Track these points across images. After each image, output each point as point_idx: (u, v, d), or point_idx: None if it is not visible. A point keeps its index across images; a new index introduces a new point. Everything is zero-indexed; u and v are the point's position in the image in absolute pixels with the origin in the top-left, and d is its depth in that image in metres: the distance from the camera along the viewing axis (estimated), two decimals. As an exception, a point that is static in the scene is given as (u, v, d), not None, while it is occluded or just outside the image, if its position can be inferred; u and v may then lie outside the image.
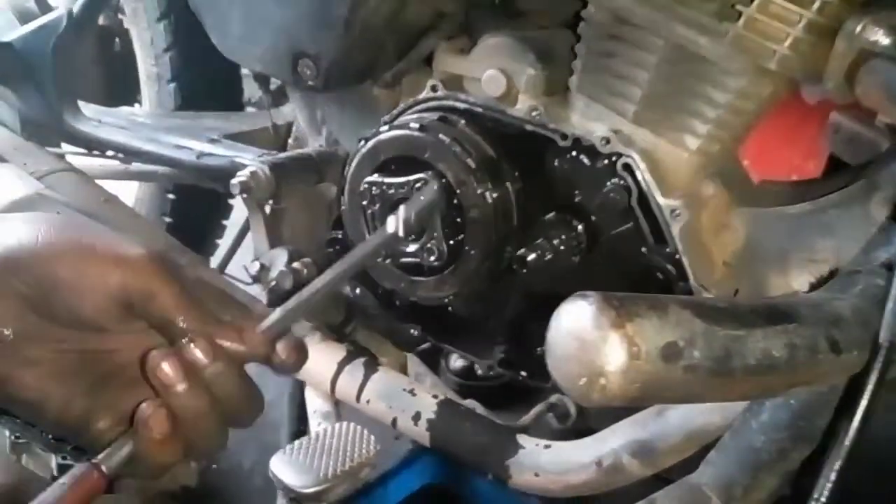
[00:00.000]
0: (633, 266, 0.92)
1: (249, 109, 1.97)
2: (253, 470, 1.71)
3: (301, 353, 0.58)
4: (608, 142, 0.89)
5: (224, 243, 1.95)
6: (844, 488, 0.56)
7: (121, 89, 1.92)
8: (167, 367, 0.52)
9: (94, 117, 1.56)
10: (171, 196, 1.84)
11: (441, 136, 0.95)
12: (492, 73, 0.97)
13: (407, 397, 1.09)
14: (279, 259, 1.11)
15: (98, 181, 1.49)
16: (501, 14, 1.07)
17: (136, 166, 1.62)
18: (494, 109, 0.98)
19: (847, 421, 0.55)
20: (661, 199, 0.88)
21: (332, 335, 1.20)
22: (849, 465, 0.55)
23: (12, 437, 1.38)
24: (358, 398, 1.12)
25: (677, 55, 0.83)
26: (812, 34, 0.75)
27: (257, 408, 0.57)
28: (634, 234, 0.91)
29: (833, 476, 0.55)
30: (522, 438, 1.02)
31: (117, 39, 1.92)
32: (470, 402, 1.13)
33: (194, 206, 1.86)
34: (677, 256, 0.89)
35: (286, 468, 1.02)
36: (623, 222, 0.92)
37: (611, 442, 0.94)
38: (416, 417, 1.07)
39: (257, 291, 1.16)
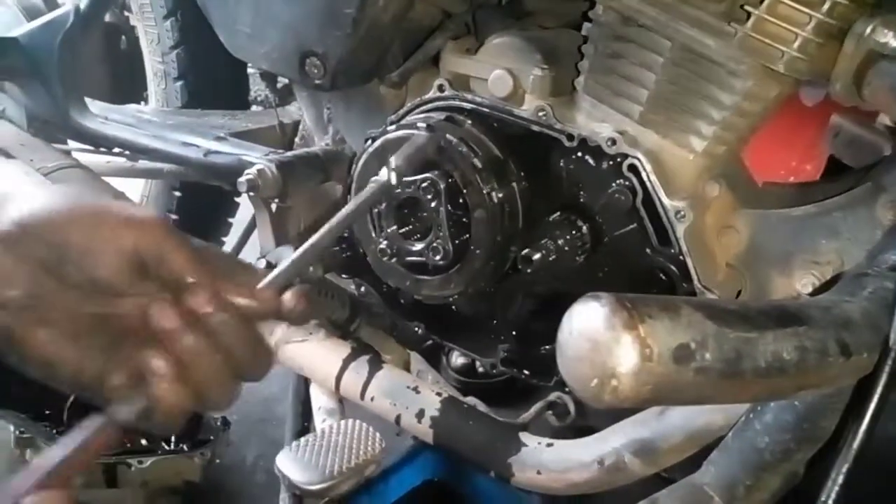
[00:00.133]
0: (637, 267, 0.93)
1: (256, 108, 1.97)
2: (256, 465, 1.72)
3: (307, 302, 0.60)
4: (614, 143, 0.89)
5: (230, 241, 1.95)
6: (851, 490, 0.56)
7: (127, 86, 1.92)
8: (169, 314, 0.54)
9: (100, 114, 1.56)
10: (177, 193, 1.84)
11: (447, 135, 0.95)
12: (498, 73, 0.98)
13: (411, 394, 1.10)
14: (285, 257, 1.11)
15: (104, 178, 1.49)
16: (508, 14, 1.07)
17: (143, 163, 1.62)
18: (501, 109, 0.98)
19: (856, 423, 0.55)
20: (666, 201, 0.89)
21: (337, 332, 1.21)
22: (857, 467, 0.56)
23: (17, 432, 1.39)
24: (362, 395, 1.12)
25: (684, 56, 0.83)
26: (821, 36, 0.75)
27: (267, 361, 0.59)
28: (639, 235, 0.92)
29: (841, 478, 0.55)
30: (525, 436, 1.02)
31: (124, 37, 1.92)
32: (471, 400, 1.14)
33: (200, 203, 1.86)
34: (681, 258, 0.89)
35: (292, 465, 1.02)
36: (628, 223, 0.92)
37: (613, 441, 0.94)
38: (420, 415, 1.07)
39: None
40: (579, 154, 0.93)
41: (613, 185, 0.91)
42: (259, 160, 1.19)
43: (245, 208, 1.75)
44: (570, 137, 0.93)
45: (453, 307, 1.11)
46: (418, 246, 0.98)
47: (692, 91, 0.85)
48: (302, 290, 0.60)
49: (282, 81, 1.41)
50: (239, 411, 1.78)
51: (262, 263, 1.14)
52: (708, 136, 0.86)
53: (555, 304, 1.02)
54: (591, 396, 0.46)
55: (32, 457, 1.40)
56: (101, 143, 1.57)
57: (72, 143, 1.65)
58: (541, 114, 0.94)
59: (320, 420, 1.16)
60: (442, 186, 0.94)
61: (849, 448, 0.57)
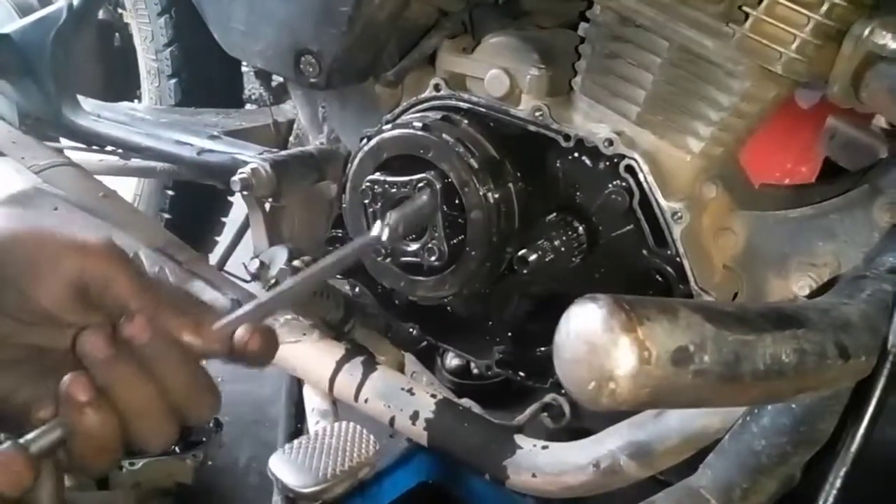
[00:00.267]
0: (634, 268, 0.92)
1: (250, 106, 1.96)
2: (249, 467, 1.71)
3: (267, 342, 0.55)
4: (611, 143, 0.89)
5: (223, 240, 1.94)
6: (849, 494, 0.56)
7: (121, 84, 1.91)
8: (96, 340, 0.49)
9: (93, 112, 1.56)
10: (170, 192, 1.83)
11: (444, 135, 0.95)
12: (495, 72, 0.97)
13: (405, 396, 1.09)
14: (279, 257, 1.11)
15: (97, 176, 1.48)
16: (505, 13, 1.07)
17: (136, 162, 1.61)
18: (497, 109, 0.97)
19: (854, 426, 0.55)
20: (662, 202, 0.88)
21: (331, 333, 1.20)
22: (855, 471, 0.55)
23: (5, 434, 1.37)
24: (356, 397, 1.11)
25: (682, 57, 0.83)
26: (819, 37, 0.75)
27: (209, 405, 0.54)
28: (635, 236, 0.91)
29: (839, 482, 0.54)
30: (520, 439, 1.02)
31: (117, 34, 1.91)
32: (466, 402, 1.13)
33: (193, 202, 1.85)
34: (678, 259, 0.89)
35: (285, 467, 1.01)
36: (624, 224, 0.92)
37: (608, 443, 0.94)
38: (415, 417, 1.07)
39: (256, 289, 1.16)
40: (576, 155, 0.93)
41: (610, 185, 0.91)
42: (253, 159, 1.18)
43: (239, 207, 1.74)
44: (567, 138, 0.92)
45: (448, 308, 1.10)
46: (413, 246, 0.98)
47: (690, 92, 0.85)
48: (262, 328, 0.54)
49: (276, 80, 1.40)
50: (231, 413, 1.77)
51: (255, 263, 1.13)
52: (705, 137, 0.86)
53: (551, 306, 1.02)
54: (589, 399, 0.46)
55: None
56: (93, 140, 1.57)
57: (64, 141, 1.64)
58: (537, 114, 0.94)
59: (314, 422, 1.15)
60: (438, 187, 0.93)
61: (847, 451, 0.57)
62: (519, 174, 0.97)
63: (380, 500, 1.20)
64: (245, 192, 1.15)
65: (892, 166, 0.83)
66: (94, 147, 1.60)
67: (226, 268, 1.70)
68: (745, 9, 0.77)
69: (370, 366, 1.13)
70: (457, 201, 0.95)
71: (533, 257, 0.91)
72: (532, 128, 0.95)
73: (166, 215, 1.85)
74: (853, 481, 0.57)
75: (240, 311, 0.55)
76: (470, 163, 0.94)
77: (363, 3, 0.96)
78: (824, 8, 0.74)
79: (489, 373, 1.11)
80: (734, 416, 0.75)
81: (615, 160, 0.90)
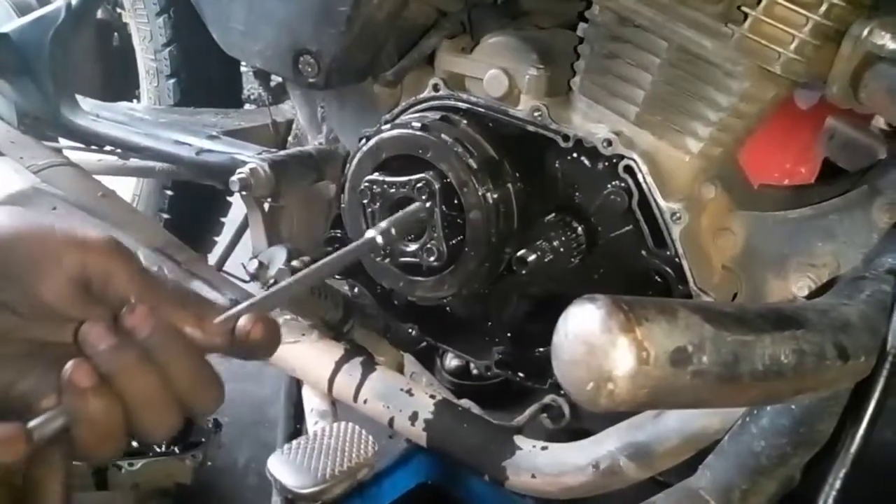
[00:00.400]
0: (633, 268, 0.92)
1: (249, 106, 1.96)
2: (248, 468, 1.71)
3: (270, 332, 0.55)
4: (610, 144, 0.89)
5: (222, 240, 1.94)
6: (848, 495, 0.56)
7: (119, 84, 1.91)
8: (99, 331, 0.50)
9: (91, 112, 1.55)
10: (168, 192, 1.83)
11: (443, 135, 0.95)
12: (494, 72, 0.97)
13: (404, 397, 1.09)
14: (278, 257, 1.10)
15: (95, 176, 1.48)
16: (504, 13, 1.07)
17: (134, 162, 1.61)
18: (496, 109, 0.97)
19: (853, 427, 0.55)
20: (661, 202, 0.88)
21: (330, 333, 1.20)
22: (854, 472, 0.55)
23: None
24: (355, 397, 1.11)
25: (681, 57, 0.83)
26: (818, 37, 0.75)
27: (213, 396, 0.54)
28: (634, 237, 0.91)
29: (839, 483, 0.54)
30: (519, 440, 1.02)
31: (116, 34, 1.91)
32: (465, 402, 1.13)
33: (192, 202, 1.85)
34: (677, 260, 0.89)
35: (284, 468, 1.01)
36: (623, 224, 0.92)
37: (608, 444, 0.94)
38: (414, 417, 1.07)
39: (255, 289, 1.16)
40: (575, 155, 0.93)
41: (609, 186, 0.90)
42: (252, 159, 1.18)
43: (237, 207, 1.74)
44: (566, 138, 0.92)
45: (447, 309, 1.10)
46: (412, 247, 0.97)
47: (689, 92, 0.84)
48: (264, 319, 0.54)
49: (275, 80, 1.40)
50: (231, 413, 1.77)
51: (254, 264, 1.13)
52: (704, 137, 0.86)
53: (550, 306, 1.02)
54: (587, 400, 0.45)
55: None
56: (92, 140, 1.56)
57: (63, 141, 1.64)
58: (536, 114, 0.94)
59: (312, 422, 1.15)
60: (437, 187, 0.93)
61: (846, 452, 0.56)
62: (518, 174, 0.97)
63: (379, 501, 1.20)
64: (244, 192, 1.15)
65: (891, 167, 0.83)
66: (93, 147, 1.60)
67: (225, 268, 1.70)
68: (744, 9, 0.77)
69: (369, 366, 1.13)
70: (456, 202, 0.95)
71: (532, 258, 0.91)
72: (531, 128, 0.95)
73: (165, 215, 1.85)
74: (852, 482, 0.57)
75: (239, 307, 0.55)
76: (469, 163, 0.93)
77: (362, 2, 0.96)
78: (823, 8, 0.74)
79: (488, 373, 1.11)
80: (733, 416, 0.75)
81: (614, 160, 0.89)
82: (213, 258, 1.86)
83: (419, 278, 1.01)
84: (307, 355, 1.16)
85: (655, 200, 0.88)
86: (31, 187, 1.33)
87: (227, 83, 1.85)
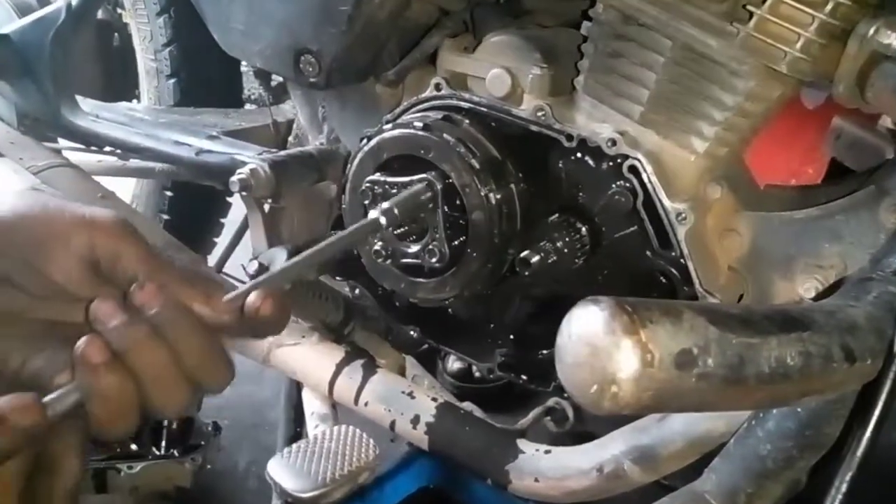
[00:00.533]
0: (638, 269, 0.92)
1: (249, 106, 1.96)
2: (248, 471, 1.71)
3: (279, 307, 0.55)
4: (614, 143, 0.88)
5: (222, 241, 1.93)
6: (855, 498, 0.55)
7: (119, 84, 1.91)
8: (105, 305, 0.50)
9: (91, 112, 1.55)
10: (168, 193, 1.83)
11: (445, 135, 0.94)
12: (496, 72, 0.96)
13: (406, 400, 1.08)
14: (278, 258, 1.10)
15: (95, 177, 1.47)
16: (506, 12, 1.06)
17: (134, 162, 1.61)
18: (499, 109, 0.97)
19: (860, 430, 0.54)
20: (666, 203, 0.87)
21: (331, 336, 1.19)
22: (860, 475, 0.54)
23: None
24: (356, 400, 1.11)
25: (686, 56, 0.82)
26: (824, 36, 0.75)
27: (223, 373, 0.54)
28: (639, 237, 0.91)
29: (845, 486, 0.54)
30: (522, 443, 1.01)
31: (116, 34, 1.91)
32: (467, 405, 1.12)
33: (192, 203, 1.85)
34: (682, 260, 0.88)
35: (284, 471, 1.01)
36: (628, 225, 0.91)
37: (612, 448, 0.93)
38: (415, 420, 1.06)
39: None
40: (579, 155, 0.92)
41: (613, 186, 0.90)
42: (252, 159, 1.18)
43: (237, 208, 1.74)
44: (570, 138, 0.91)
45: (450, 310, 1.09)
46: (414, 248, 0.97)
47: (694, 91, 0.84)
48: (273, 294, 0.55)
49: (276, 79, 1.39)
50: (231, 416, 1.76)
51: (254, 265, 1.12)
52: (709, 137, 0.85)
53: (553, 308, 1.01)
54: (591, 403, 0.45)
55: None
56: (92, 141, 1.56)
57: (62, 142, 1.63)
58: (540, 114, 0.93)
59: (313, 426, 1.15)
60: (439, 187, 0.92)
61: (852, 455, 0.56)
62: (521, 175, 0.97)
63: (381, 505, 1.20)
64: (244, 193, 1.14)
65: (899, 167, 0.82)
66: (93, 147, 1.60)
67: (225, 269, 1.70)
68: (750, 8, 0.77)
69: (370, 369, 1.12)
70: (458, 202, 0.94)
71: (535, 259, 0.90)
72: (534, 128, 0.94)
73: (165, 216, 1.85)
74: (859, 485, 0.56)
75: (248, 285, 0.56)
76: (471, 163, 0.93)
77: (363, 2, 0.95)
78: (829, 7, 0.73)
79: (491, 376, 1.10)
80: (739, 420, 0.75)
81: (618, 160, 0.89)
82: (212, 259, 1.86)
83: (421, 280, 1.00)
84: (308, 358, 1.16)
85: (660, 201, 0.87)
86: (30, 188, 1.32)
87: (227, 83, 1.85)
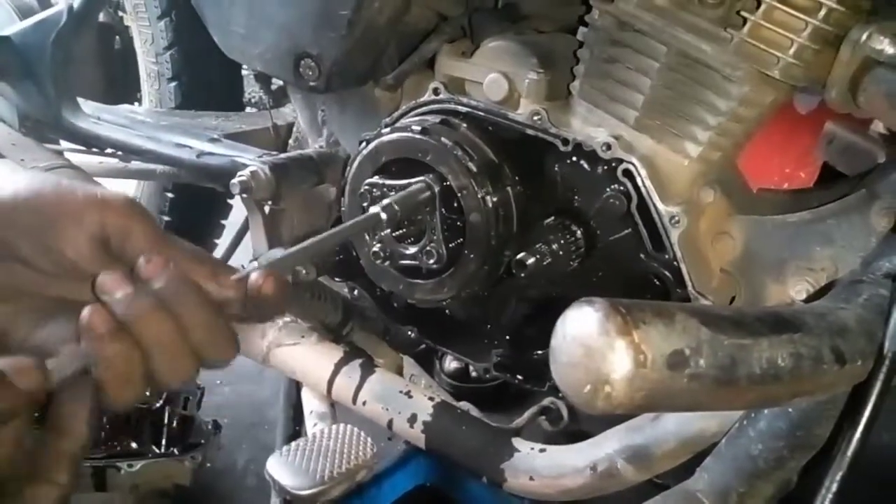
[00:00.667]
0: (631, 272, 0.93)
1: (250, 109, 1.97)
2: (247, 469, 1.71)
3: (280, 288, 0.56)
4: (609, 147, 0.89)
5: (223, 243, 1.94)
6: (845, 498, 0.56)
7: (121, 87, 1.92)
8: (112, 277, 0.52)
9: (93, 114, 1.56)
10: (169, 195, 1.83)
11: (443, 139, 0.95)
12: (494, 76, 0.97)
13: (403, 399, 1.09)
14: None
15: (96, 179, 1.48)
16: (504, 18, 1.07)
17: (135, 164, 1.61)
18: (496, 113, 0.98)
19: (850, 430, 0.55)
20: (660, 206, 0.88)
21: (329, 336, 1.20)
22: (851, 475, 0.55)
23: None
24: (354, 400, 1.11)
25: (680, 61, 0.83)
26: (817, 42, 0.75)
27: (227, 347, 0.55)
28: (633, 240, 0.92)
29: (835, 486, 0.55)
30: (518, 442, 1.02)
31: (118, 37, 1.92)
32: (464, 404, 1.13)
33: (193, 205, 1.86)
34: (675, 263, 0.89)
35: (283, 470, 1.01)
36: (622, 228, 0.92)
37: (606, 446, 0.94)
38: (412, 419, 1.07)
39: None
40: (574, 158, 0.93)
41: (608, 189, 0.91)
42: (252, 162, 1.18)
43: (238, 210, 1.74)
44: (565, 142, 0.92)
45: (447, 311, 1.10)
46: (412, 249, 0.98)
47: (688, 96, 0.85)
48: (275, 273, 0.56)
49: (276, 83, 1.40)
50: (230, 415, 1.77)
51: (254, 266, 1.13)
52: (703, 141, 0.86)
53: (549, 309, 1.02)
54: (585, 402, 0.46)
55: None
56: (93, 143, 1.57)
57: (64, 144, 1.64)
58: (536, 118, 0.94)
59: (311, 424, 1.15)
60: (436, 190, 0.93)
61: (843, 456, 0.57)
62: (517, 178, 0.98)
63: (378, 502, 1.21)
64: (244, 195, 1.15)
65: (889, 171, 0.83)
66: (94, 149, 1.60)
67: (225, 270, 1.69)
68: (743, 14, 0.78)
69: (368, 368, 1.13)
70: (455, 205, 0.95)
71: (531, 261, 0.91)
72: (530, 132, 0.95)
73: (166, 218, 1.85)
74: (849, 486, 0.57)
75: (250, 268, 0.57)
76: (468, 166, 0.94)
77: (363, 6, 0.96)
78: (822, 13, 0.74)
79: (487, 376, 1.11)
80: (731, 419, 0.76)
81: (613, 164, 0.90)
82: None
83: (419, 281, 1.01)
84: (306, 357, 1.16)
85: (654, 204, 0.88)
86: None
87: (228, 86, 1.85)
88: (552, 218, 0.95)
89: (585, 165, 0.93)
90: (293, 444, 1.06)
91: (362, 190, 1.00)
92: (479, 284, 1.00)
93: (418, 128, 0.96)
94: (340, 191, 1.08)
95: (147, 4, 1.73)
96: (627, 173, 0.89)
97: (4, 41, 1.53)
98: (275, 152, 1.31)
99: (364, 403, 1.11)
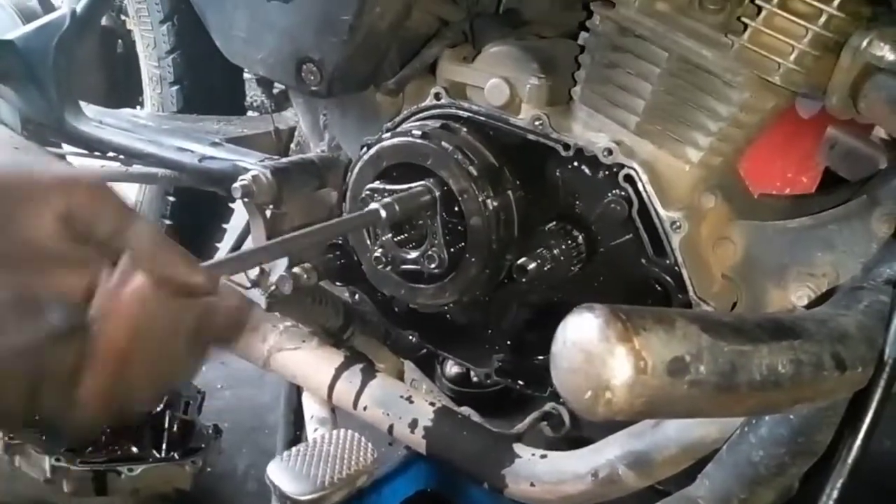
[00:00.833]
0: (633, 277, 0.93)
1: (252, 113, 1.97)
2: (247, 474, 1.71)
3: (241, 306, 0.54)
4: (610, 153, 0.89)
5: (224, 247, 1.94)
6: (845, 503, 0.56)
7: (123, 91, 1.92)
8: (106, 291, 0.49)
9: (95, 118, 1.56)
10: (171, 198, 1.83)
11: (443, 143, 0.95)
12: (495, 81, 0.97)
13: (404, 404, 1.09)
14: (279, 264, 1.11)
15: (97, 182, 1.48)
16: (505, 23, 1.07)
17: (137, 168, 1.61)
18: (497, 118, 0.98)
19: (851, 437, 0.55)
20: (661, 211, 0.88)
21: (330, 340, 1.20)
22: (851, 482, 0.55)
23: (6, 438, 1.37)
24: (355, 405, 1.11)
25: (681, 67, 0.83)
26: (817, 48, 0.76)
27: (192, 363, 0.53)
28: (634, 246, 0.92)
29: (836, 493, 0.54)
30: (519, 448, 1.02)
31: (120, 41, 1.92)
32: (465, 410, 1.13)
33: (194, 208, 1.86)
34: (677, 268, 0.89)
35: (283, 474, 1.01)
36: (623, 233, 0.92)
37: (607, 453, 0.94)
38: (413, 425, 1.07)
39: (256, 296, 1.16)
40: (575, 164, 0.93)
41: (609, 195, 0.91)
42: (254, 166, 1.19)
43: (239, 214, 1.74)
44: (567, 147, 0.92)
45: (448, 316, 1.10)
46: (413, 254, 0.98)
47: (689, 102, 0.85)
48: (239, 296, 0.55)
49: (278, 87, 1.40)
50: (231, 419, 1.77)
51: (255, 270, 1.13)
52: (704, 146, 0.86)
53: (550, 314, 1.02)
54: (585, 409, 0.46)
55: (21, 463, 1.39)
56: (95, 147, 1.57)
57: (66, 147, 1.64)
58: (537, 123, 0.94)
59: (312, 429, 1.15)
60: (437, 194, 0.93)
61: (843, 462, 0.57)
62: (518, 182, 0.98)
63: (378, 508, 1.20)
64: (246, 199, 1.15)
65: (891, 177, 0.83)
66: (96, 153, 1.60)
67: (226, 274, 1.69)
68: (744, 20, 0.78)
69: (369, 373, 1.13)
70: (456, 209, 0.95)
71: (532, 266, 0.91)
72: (531, 137, 0.95)
73: (167, 221, 1.85)
74: (850, 492, 0.57)
75: (228, 256, 0.56)
76: (469, 170, 0.94)
77: (364, 12, 0.96)
78: (822, 19, 0.75)
79: (488, 381, 1.11)
80: (732, 426, 0.76)
81: (614, 169, 0.90)
82: (214, 264, 1.86)
83: (420, 286, 1.01)
84: (307, 362, 1.17)
85: (655, 209, 0.88)
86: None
87: (230, 90, 1.85)
88: (553, 223, 0.95)
89: (586, 170, 0.93)
90: (294, 449, 1.06)
91: (363, 195, 0.99)
92: (480, 289, 1.00)
93: (419, 132, 0.96)
94: (342, 195, 1.08)
95: (149, 9, 1.73)
96: (628, 178, 0.89)
97: (7, 45, 1.53)
98: (276, 156, 1.31)
99: (365, 408, 1.11)
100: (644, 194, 0.89)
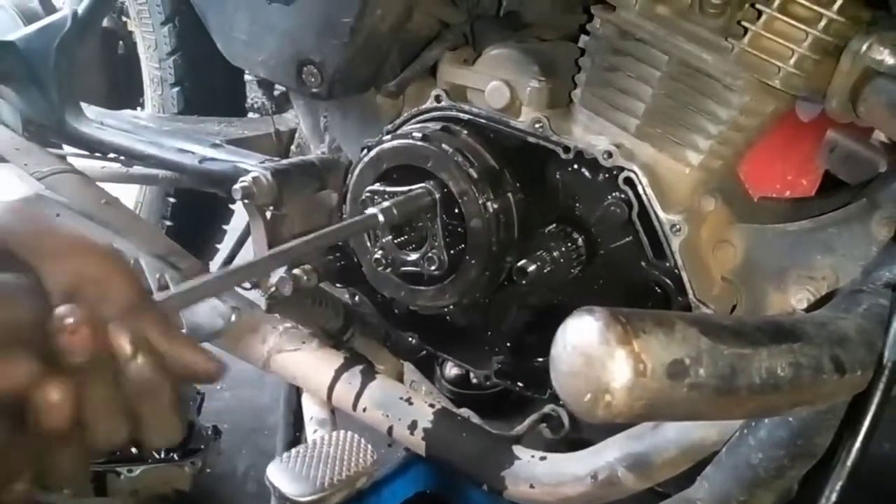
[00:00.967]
0: (632, 280, 0.93)
1: (252, 115, 1.97)
2: (247, 475, 1.71)
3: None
4: (610, 155, 0.90)
5: (224, 248, 1.94)
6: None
7: (124, 92, 1.92)
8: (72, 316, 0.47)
9: (96, 119, 1.56)
10: (171, 200, 1.83)
11: (443, 145, 0.95)
12: (495, 84, 0.98)
13: (404, 406, 1.09)
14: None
15: (99, 183, 1.48)
16: (506, 26, 1.08)
17: (138, 169, 1.62)
18: (497, 121, 0.98)
19: (850, 440, 0.55)
20: (661, 214, 0.89)
21: (330, 342, 1.20)
22: (851, 484, 0.55)
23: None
24: (355, 406, 1.11)
25: (681, 70, 0.84)
26: (817, 52, 0.76)
27: (173, 426, 0.52)
28: (634, 248, 0.92)
29: (835, 495, 0.55)
30: (518, 450, 1.02)
31: (121, 42, 1.92)
32: (464, 411, 1.13)
33: (195, 210, 1.86)
34: (676, 271, 0.89)
35: (283, 476, 1.01)
36: (623, 236, 0.92)
37: (606, 455, 0.94)
38: (413, 426, 1.07)
39: (256, 297, 1.16)
40: (575, 166, 0.93)
41: (609, 197, 0.91)
42: (254, 168, 1.19)
43: (240, 215, 1.75)
44: (567, 149, 0.93)
45: (448, 318, 1.10)
46: (413, 256, 0.98)
47: (689, 105, 0.85)
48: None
49: (279, 89, 1.40)
50: (230, 420, 1.77)
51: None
52: (704, 150, 0.86)
53: (549, 316, 1.02)
54: (585, 411, 0.46)
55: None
56: (96, 148, 1.57)
57: (67, 148, 1.64)
58: (537, 125, 0.94)
59: (312, 431, 1.15)
60: (438, 196, 0.94)
61: (843, 465, 0.57)
62: (518, 185, 0.98)
63: (378, 509, 1.20)
64: (246, 201, 1.15)
65: (891, 181, 0.83)
66: (97, 154, 1.60)
67: (226, 275, 1.69)
68: (744, 23, 0.78)
69: (369, 375, 1.13)
70: (456, 211, 0.95)
71: (532, 268, 0.91)
72: (532, 139, 0.95)
73: (168, 223, 1.85)
74: (849, 495, 0.57)
75: (238, 266, 0.57)
76: (469, 172, 0.94)
77: (365, 14, 0.97)
78: (822, 23, 0.75)
79: (488, 383, 1.11)
80: (732, 428, 0.76)
81: (614, 172, 0.90)
82: (215, 266, 1.86)
83: (420, 287, 1.02)
84: (307, 363, 1.17)
85: (655, 212, 0.89)
86: (34, 194, 1.33)
87: (230, 92, 1.85)
88: (553, 225, 0.96)
89: (586, 173, 0.93)
90: (293, 450, 1.06)
91: (364, 197, 1.00)
92: (480, 291, 1.00)
93: (419, 134, 0.97)
94: (342, 197, 1.08)
95: (151, 10, 1.74)
96: (628, 181, 0.89)
97: (8, 46, 1.53)
98: (277, 158, 1.31)
99: (364, 410, 1.11)
100: (644, 197, 0.89)
